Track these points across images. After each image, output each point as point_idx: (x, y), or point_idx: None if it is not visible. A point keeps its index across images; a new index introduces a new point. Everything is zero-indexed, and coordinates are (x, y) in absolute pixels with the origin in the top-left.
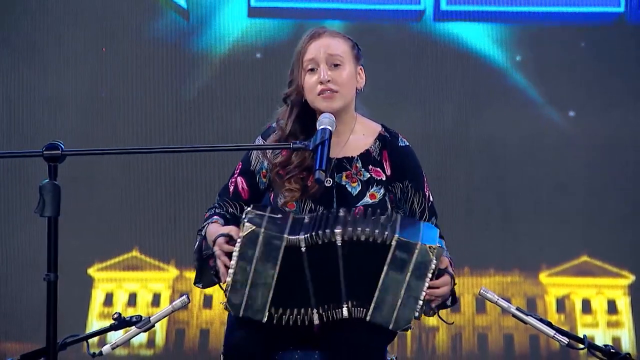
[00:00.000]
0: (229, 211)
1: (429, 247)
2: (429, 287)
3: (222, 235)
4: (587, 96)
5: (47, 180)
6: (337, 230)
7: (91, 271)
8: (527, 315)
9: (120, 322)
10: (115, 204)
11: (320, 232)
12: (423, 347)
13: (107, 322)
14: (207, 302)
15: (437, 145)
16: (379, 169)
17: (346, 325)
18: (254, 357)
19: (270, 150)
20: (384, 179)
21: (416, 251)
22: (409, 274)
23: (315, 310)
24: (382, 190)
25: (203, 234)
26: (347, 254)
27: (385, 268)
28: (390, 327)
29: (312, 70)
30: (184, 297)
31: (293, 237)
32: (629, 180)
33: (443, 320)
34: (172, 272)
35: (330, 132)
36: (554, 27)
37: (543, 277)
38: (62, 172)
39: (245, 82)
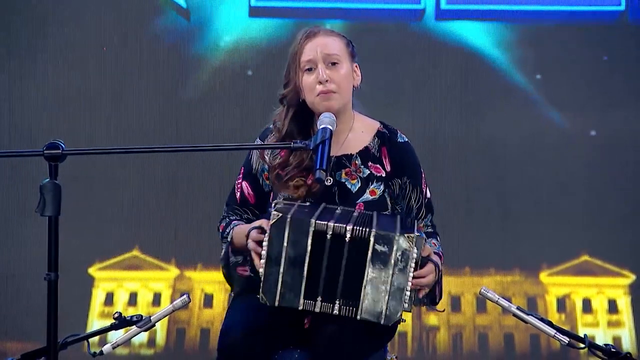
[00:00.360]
0: (243, 217)
1: (408, 236)
2: (414, 277)
3: (254, 228)
4: (588, 96)
5: (48, 179)
6: (349, 227)
7: (92, 270)
8: (527, 314)
9: (121, 322)
10: (115, 204)
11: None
12: (423, 346)
13: (108, 322)
14: (208, 301)
15: (437, 145)
16: (378, 166)
17: (340, 321)
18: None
19: (269, 152)
20: (383, 175)
21: (395, 242)
22: (391, 267)
23: (319, 299)
24: (382, 187)
25: (229, 239)
26: (350, 250)
27: (367, 263)
28: (382, 322)
29: (309, 70)
30: (185, 296)
31: (321, 222)
32: (629, 180)
33: (435, 310)
34: (173, 271)
35: (331, 131)
36: (555, 26)
37: (543, 276)
38: (62, 172)
39: (245, 82)
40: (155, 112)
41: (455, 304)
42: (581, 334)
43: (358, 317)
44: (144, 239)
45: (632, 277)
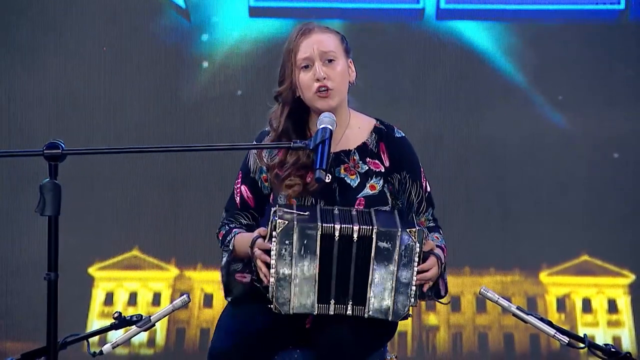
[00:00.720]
0: (243, 223)
1: (409, 231)
2: (417, 272)
3: (258, 237)
4: (588, 96)
5: (48, 179)
6: (356, 227)
7: (91, 270)
8: (527, 314)
9: (121, 322)
10: (115, 203)
11: (349, 225)
12: (423, 346)
13: (108, 322)
14: (208, 301)
15: (437, 144)
16: (377, 161)
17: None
18: None
19: (266, 153)
20: (382, 170)
21: (397, 238)
22: (396, 262)
23: (332, 301)
24: (381, 182)
25: (231, 247)
26: (357, 250)
27: (372, 261)
28: (390, 318)
29: (305, 67)
30: (185, 296)
31: (328, 225)
32: (629, 180)
33: (440, 302)
34: (173, 271)
35: (331, 131)
36: (555, 26)
37: (543, 276)
38: (62, 171)
39: (245, 82)
40: (155, 112)
41: (455, 303)
42: (581, 334)
43: (366, 315)
44: (144, 238)
45: (632, 277)
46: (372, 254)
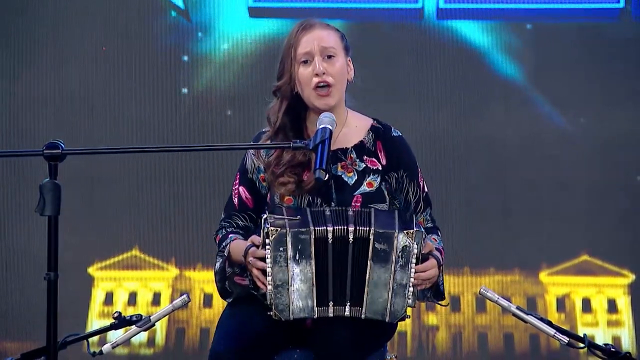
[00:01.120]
0: (240, 225)
1: (407, 233)
2: (415, 272)
3: (251, 246)
4: (588, 95)
5: (48, 179)
6: (351, 228)
7: (91, 270)
8: (527, 314)
9: (121, 321)
10: (115, 203)
11: (344, 226)
12: (423, 346)
13: (108, 321)
14: (208, 301)
15: (437, 144)
16: (374, 159)
17: (340, 322)
18: None
19: (264, 152)
20: (380, 168)
21: (395, 240)
22: (393, 264)
23: (331, 304)
24: (378, 179)
25: (226, 254)
26: (353, 251)
27: (369, 262)
28: (387, 319)
29: (305, 62)
30: (184, 296)
31: (320, 228)
32: (629, 179)
33: (439, 304)
34: (173, 271)
35: (331, 131)
36: (554, 25)
37: (543, 276)
38: (62, 171)
39: (245, 82)
40: (155, 112)
41: (455, 303)
42: (581, 334)
43: (362, 316)
44: (144, 238)
45: (632, 277)
46: (370, 255)
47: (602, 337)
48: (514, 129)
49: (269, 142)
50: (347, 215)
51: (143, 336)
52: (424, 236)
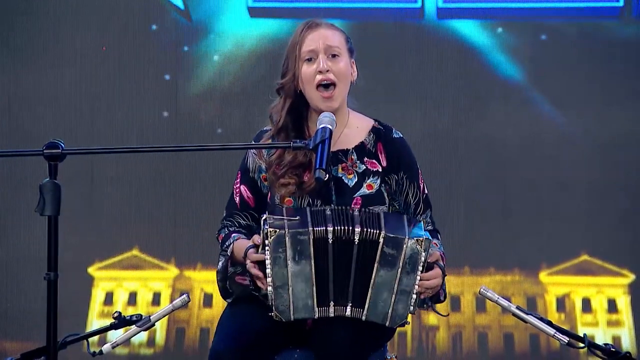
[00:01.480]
0: (242, 224)
1: (417, 240)
2: (420, 280)
3: (251, 247)
4: (588, 95)
5: (48, 179)
6: (357, 229)
7: (91, 270)
8: (527, 314)
9: (121, 321)
10: (115, 203)
11: (348, 227)
12: (423, 346)
13: (108, 321)
14: (208, 301)
15: (437, 144)
16: (374, 161)
17: (340, 322)
18: None
19: (265, 151)
20: (380, 170)
21: (404, 246)
22: (399, 270)
23: (332, 304)
24: (378, 181)
25: (229, 253)
26: (358, 252)
27: (375, 265)
28: (387, 324)
29: (309, 60)
30: (184, 296)
31: (319, 228)
32: (629, 179)
33: (439, 313)
34: (173, 271)
35: (331, 131)
36: (554, 24)
37: (543, 276)
38: (62, 171)
39: (245, 82)
40: (155, 112)
41: (455, 303)
42: (581, 334)
43: (363, 318)
44: (144, 238)
45: (632, 277)
46: (377, 257)
47: (602, 337)
48: (514, 129)
49: (269, 141)
50: (352, 215)
51: (143, 336)
52: (430, 244)
